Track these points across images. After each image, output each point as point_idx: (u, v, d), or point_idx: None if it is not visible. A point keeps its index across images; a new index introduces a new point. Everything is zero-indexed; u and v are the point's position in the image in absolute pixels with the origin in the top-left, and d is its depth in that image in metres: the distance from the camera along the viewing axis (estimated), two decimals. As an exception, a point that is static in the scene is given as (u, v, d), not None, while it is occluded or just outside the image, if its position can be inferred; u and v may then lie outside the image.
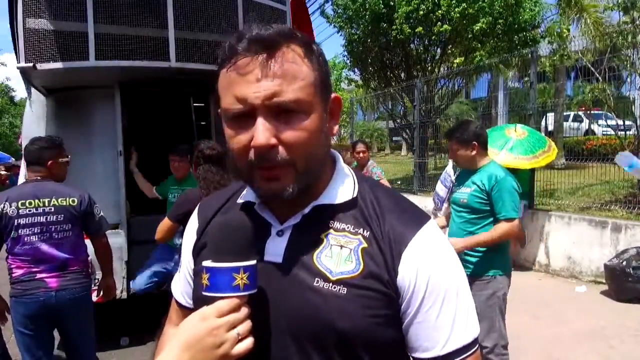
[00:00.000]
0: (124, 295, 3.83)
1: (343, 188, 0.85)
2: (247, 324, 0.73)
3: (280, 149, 0.74)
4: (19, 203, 2.55)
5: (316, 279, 0.78)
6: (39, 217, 2.58)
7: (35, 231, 2.57)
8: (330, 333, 0.76)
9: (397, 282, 0.78)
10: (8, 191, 2.69)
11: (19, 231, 2.55)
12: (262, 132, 0.72)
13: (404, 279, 0.78)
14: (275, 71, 0.72)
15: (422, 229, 0.81)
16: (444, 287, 0.79)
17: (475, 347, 0.81)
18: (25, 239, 2.56)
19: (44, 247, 2.59)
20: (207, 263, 0.74)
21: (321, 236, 0.81)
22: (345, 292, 0.77)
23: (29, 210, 2.56)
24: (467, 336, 0.80)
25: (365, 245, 0.80)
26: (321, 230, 0.82)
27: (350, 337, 0.76)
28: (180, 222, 2.85)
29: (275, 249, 0.81)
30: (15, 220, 2.53)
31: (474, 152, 2.92)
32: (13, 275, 2.57)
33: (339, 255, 0.79)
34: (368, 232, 0.81)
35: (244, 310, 0.73)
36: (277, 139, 0.73)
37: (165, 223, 2.95)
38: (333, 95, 0.83)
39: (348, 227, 0.81)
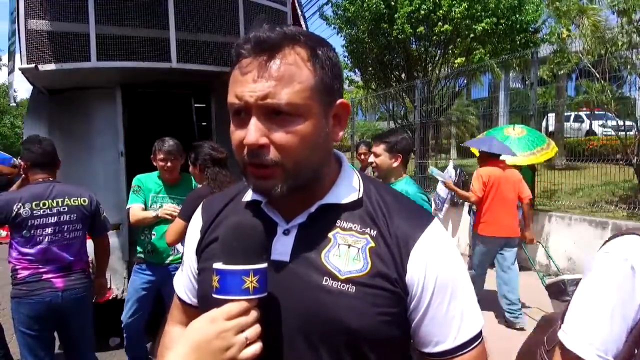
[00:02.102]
0: (125, 295, 3.83)
1: (349, 188, 0.86)
2: (256, 328, 0.73)
3: (271, 149, 0.76)
4: (33, 204, 2.56)
5: (325, 277, 0.79)
6: (52, 218, 2.61)
7: (48, 232, 2.60)
8: (340, 331, 0.77)
9: (406, 280, 0.80)
10: (20, 192, 2.68)
11: (32, 232, 2.56)
12: (252, 131, 0.75)
13: (413, 277, 0.80)
14: (271, 73, 0.74)
15: (428, 228, 0.83)
16: (451, 283, 0.82)
17: (482, 337, 0.84)
18: (37, 239, 2.57)
19: (54, 248, 2.62)
20: (217, 265, 0.74)
21: (328, 235, 0.82)
22: (354, 291, 0.78)
23: (43, 211, 2.59)
24: (475, 327, 0.83)
25: (372, 244, 0.81)
26: (328, 229, 0.83)
27: (360, 335, 0.77)
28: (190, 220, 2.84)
29: (282, 247, 0.82)
30: (29, 221, 2.55)
31: (396, 164, 2.93)
32: (18, 276, 2.57)
33: (347, 255, 0.80)
34: (375, 232, 0.82)
35: (253, 314, 0.73)
36: (268, 139, 0.75)
37: (178, 224, 2.87)
38: (340, 101, 0.82)
39: (355, 227, 0.83)
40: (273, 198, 0.81)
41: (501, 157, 4.65)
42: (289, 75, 0.74)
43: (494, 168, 4.53)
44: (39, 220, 2.57)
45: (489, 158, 4.61)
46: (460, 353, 0.81)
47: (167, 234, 2.99)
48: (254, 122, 0.75)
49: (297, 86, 0.75)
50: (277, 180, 0.77)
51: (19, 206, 2.53)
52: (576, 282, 3.78)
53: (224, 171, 2.90)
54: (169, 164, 3.26)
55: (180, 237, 2.92)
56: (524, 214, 4.75)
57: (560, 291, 3.86)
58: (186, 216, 2.85)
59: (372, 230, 0.82)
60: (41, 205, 2.58)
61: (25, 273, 2.56)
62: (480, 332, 0.84)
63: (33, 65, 3.25)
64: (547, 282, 4.20)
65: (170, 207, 3.16)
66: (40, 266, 2.58)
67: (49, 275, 2.59)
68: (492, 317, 4.71)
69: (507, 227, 4.51)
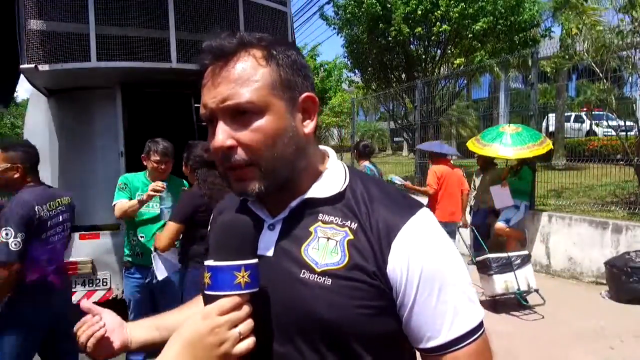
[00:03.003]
0: (124, 295, 3.83)
1: (332, 182, 0.86)
2: (249, 323, 0.74)
3: (239, 149, 0.78)
4: (47, 205, 2.53)
5: (303, 270, 0.79)
6: (60, 217, 2.63)
7: (58, 230, 2.61)
8: (314, 323, 0.77)
9: (387, 273, 0.78)
10: (27, 194, 2.51)
11: (47, 233, 2.53)
12: (219, 134, 0.78)
13: (395, 270, 0.78)
14: (228, 76, 0.77)
15: (412, 217, 0.81)
16: (439, 275, 0.78)
17: (482, 330, 0.80)
18: (50, 240, 2.56)
19: (58, 246, 2.63)
20: (208, 262, 0.75)
21: (310, 229, 0.83)
22: (330, 284, 0.77)
23: (54, 212, 2.59)
24: (472, 321, 0.79)
25: (351, 237, 0.80)
26: (310, 223, 0.83)
27: (336, 327, 0.77)
28: (185, 222, 2.80)
29: (267, 242, 0.84)
30: (48, 222, 2.52)
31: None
32: (26, 279, 2.46)
33: (325, 248, 0.80)
34: (355, 224, 0.81)
35: (246, 309, 0.74)
36: (235, 139, 0.78)
37: (171, 228, 2.79)
38: (305, 94, 0.83)
39: (336, 220, 0.82)
40: (257, 198, 0.83)
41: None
42: (246, 76, 0.77)
43: (443, 166, 5.57)
44: (52, 220, 2.56)
45: (439, 157, 5.67)
46: (455, 348, 0.77)
47: (159, 239, 2.85)
48: (220, 125, 0.78)
49: (255, 84, 0.77)
50: (254, 181, 0.79)
51: (38, 208, 2.45)
52: (498, 260, 4.81)
53: (216, 173, 2.85)
54: (163, 166, 3.28)
55: (173, 241, 2.84)
56: (462, 204, 5.74)
57: (485, 267, 4.78)
58: (179, 218, 2.80)
59: (352, 223, 0.81)
60: (51, 205, 2.57)
61: (34, 276, 2.48)
62: (480, 325, 0.80)
63: (33, 65, 3.25)
64: (476, 259, 5.00)
65: (153, 184, 3.09)
66: (45, 267, 2.54)
67: (52, 276, 2.57)
68: (491, 316, 4.72)
69: (454, 214, 5.56)
